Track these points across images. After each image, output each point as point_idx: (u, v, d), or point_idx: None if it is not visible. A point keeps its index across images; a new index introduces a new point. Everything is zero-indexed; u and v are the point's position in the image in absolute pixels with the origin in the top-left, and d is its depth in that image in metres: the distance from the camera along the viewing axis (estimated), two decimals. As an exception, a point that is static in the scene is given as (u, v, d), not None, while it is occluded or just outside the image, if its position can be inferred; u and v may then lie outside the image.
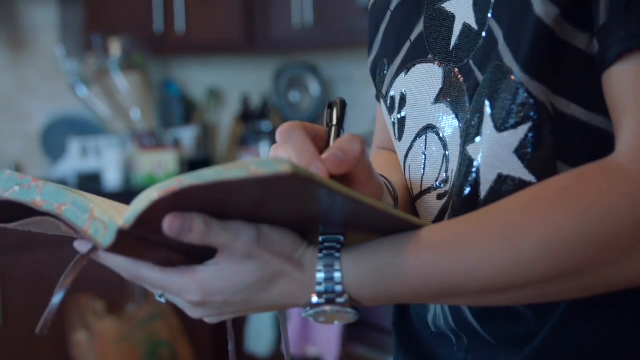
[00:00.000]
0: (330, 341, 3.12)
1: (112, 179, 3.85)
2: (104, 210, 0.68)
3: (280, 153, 0.75)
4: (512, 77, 0.76)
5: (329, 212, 0.69)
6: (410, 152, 0.90)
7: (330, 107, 0.81)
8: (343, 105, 0.81)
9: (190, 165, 4.12)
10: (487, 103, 0.78)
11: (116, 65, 3.83)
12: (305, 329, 3.21)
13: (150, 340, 3.46)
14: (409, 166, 0.91)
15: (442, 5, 0.86)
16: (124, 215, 0.66)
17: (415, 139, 0.89)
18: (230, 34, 4.19)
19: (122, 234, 0.66)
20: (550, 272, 0.67)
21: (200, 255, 0.70)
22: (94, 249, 0.70)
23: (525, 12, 0.75)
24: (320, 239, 0.71)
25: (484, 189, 0.78)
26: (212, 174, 0.61)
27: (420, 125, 0.88)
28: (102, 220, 0.67)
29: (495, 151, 0.77)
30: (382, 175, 0.88)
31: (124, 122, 3.92)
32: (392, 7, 0.94)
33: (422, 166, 0.88)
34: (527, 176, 0.76)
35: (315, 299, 0.70)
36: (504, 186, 0.77)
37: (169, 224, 0.65)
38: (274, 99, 4.54)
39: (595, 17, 0.73)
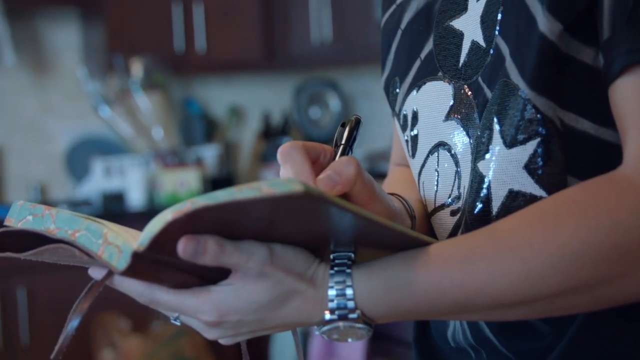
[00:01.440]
0: (354, 356, 3.12)
1: (136, 198, 3.87)
2: (118, 234, 0.69)
3: (281, 173, 0.76)
4: (519, 94, 0.76)
5: (339, 230, 0.70)
6: (424, 169, 0.91)
7: (344, 125, 0.82)
8: (356, 124, 0.82)
9: (213, 183, 4.14)
10: (495, 120, 0.78)
11: (138, 85, 3.87)
12: (330, 343, 3.22)
13: (175, 357, 3.47)
14: (423, 183, 0.91)
15: (451, 23, 0.87)
16: (138, 239, 0.67)
17: (428, 156, 0.90)
18: (250, 51, 4.21)
19: (137, 257, 0.66)
20: (561, 286, 0.68)
21: (213, 276, 0.71)
22: (109, 274, 0.71)
23: (530, 29, 0.76)
24: (332, 256, 0.72)
25: (495, 205, 0.79)
26: (224, 194, 0.62)
27: (432, 142, 0.88)
28: (116, 244, 0.68)
29: (505, 167, 0.77)
30: (395, 194, 0.89)
31: (146, 141, 3.95)
32: (403, 26, 0.94)
33: (435, 183, 0.88)
34: (538, 191, 0.76)
35: (328, 316, 0.70)
36: (515, 202, 0.77)
37: (184, 247, 0.66)
38: (294, 116, 4.56)
39: (599, 32, 0.74)
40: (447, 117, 0.86)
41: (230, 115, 4.52)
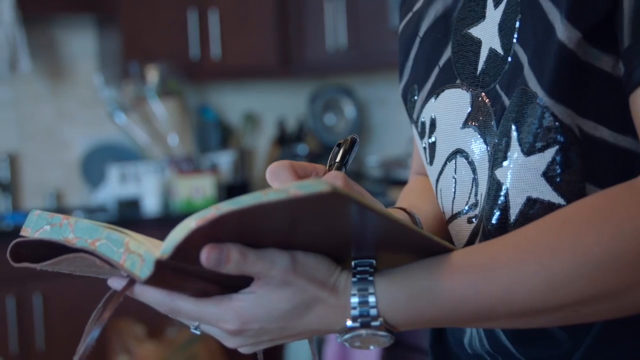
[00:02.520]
0: (370, 363, 3.11)
1: (151, 204, 3.88)
2: (140, 243, 0.68)
3: None
4: (537, 101, 0.76)
5: (361, 233, 0.70)
6: (441, 176, 0.91)
7: (339, 145, 0.83)
8: (351, 145, 0.83)
9: (228, 189, 4.15)
10: (513, 127, 0.78)
11: (153, 92, 3.88)
12: (344, 350, 3.21)
13: (190, 364, 3.47)
14: (441, 190, 0.91)
15: (469, 31, 0.87)
16: (160, 247, 0.66)
17: (445, 163, 0.89)
18: (265, 58, 4.22)
19: (160, 265, 0.66)
20: (584, 294, 0.67)
21: (234, 284, 0.70)
22: (130, 284, 0.71)
23: (548, 37, 0.75)
24: (353, 263, 0.72)
25: (513, 213, 0.79)
26: (250, 198, 0.61)
27: (450, 150, 0.88)
28: (139, 252, 0.67)
29: (523, 175, 0.77)
30: (401, 208, 0.89)
31: (161, 148, 3.96)
32: (421, 33, 0.94)
33: (453, 190, 0.88)
34: (556, 199, 0.76)
35: (350, 323, 0.70)
36: (533, 209, 0.77)
37: (207, 256, 0.65)
38: (309, 122, 4.57)
39: (619, 40, 0.73)
40: (465, 124, 0.86)
41: (245, 122, 4.53)
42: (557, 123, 0.75)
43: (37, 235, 0.73)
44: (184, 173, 3.92)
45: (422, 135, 0.94)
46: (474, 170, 0.85)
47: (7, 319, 3.43)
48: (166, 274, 0.68)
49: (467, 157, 0.86)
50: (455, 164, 0.88)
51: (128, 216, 3.86)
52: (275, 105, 4.63)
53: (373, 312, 0.70)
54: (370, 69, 4.26)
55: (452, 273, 0.70)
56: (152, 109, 3.91)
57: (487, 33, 0.84)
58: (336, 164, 0.82)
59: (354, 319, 0.70)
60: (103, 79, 3.96)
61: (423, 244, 0.71)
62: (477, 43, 0.85)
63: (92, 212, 3.96)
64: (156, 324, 3.53)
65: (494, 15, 0.83)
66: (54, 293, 3.52)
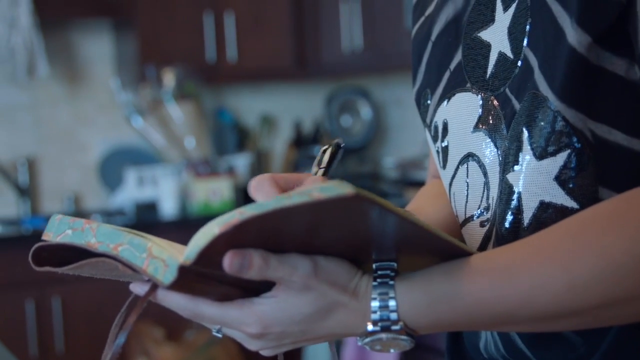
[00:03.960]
0: (388, 365, 3.11)
1: (169, 207, 3.90)
2: (163, 248, 0.69)
3: None
4: (549, 105, 0.76)
5: (383, 237, 0.70)
6: (454, 180, 0.91)
7: (324, 151, 0.84)
8: (336, 149, 0.84)
9: (245, 192, 4.15)
10: (525, 131, 0.78)
11: (170, 96, 3.89)
12: (363, 352, 3.21)
13: (209, 366, 3.48)
14: (454, 194, 0.91)
15: (479, 34, 0.87)
16: (183, 252, 0.66)
17: (458, 167, 0.89)
18: (281, 60, 4.23)
19: (183, 271, 0.66)
20: (605, 297, 0.67)
21: (255, 287, 0.71)
22: (153, 289, 0.71)
23: (559, 41, 0.75)
24: (374, 266, 0.72)
25: (526, 217, 0.78)
26: (273, 202, 0.61)
27: (461, 153, 0.88)
28: (162, 258, 0.68)
29: (536, 179, 0.77)
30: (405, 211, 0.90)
31: (178, 151, 3.98)
32: (433, 37, 0.94)
33: (465, 194, 0.88)
34: (569, 202, 0.76)
35: (370, 327, 0.71)
36: (546, 213, 0.77)
37: (230, 262, 0.66)
38: (326, 124, 4.57)
39: (634, 44, 0.73)
40: (476, 128, 0.86)
41: (261, 124, 4.54)
42: (568, 127, 0.75)
43: (59, 239, 0.73)
44: (201, 176, 3.93)
45: (435, 139, 0.94)
46: (485, 174, 0.85)
47: (27, 322, 3.45)
48: (189, 278, 0.68)
49: (478, 161, 0.86)
50: (467, 167, 0.88)
51: (146, 219, 3.87)
52: (291, 107, 4.63)
53: (393, 316, 0.71)
54: (386, 70, 4.26)
55: (472, 277, 0.70)
56: (168, 112, 3.92)
57: (496, 37, 0.84)
58: (321, 169, 0.83)
59: (374, 323, 0.71)
60: (120, 82, 3.98)
61: (443, 247, 0.71)
62: (487, 47, 0.85)
63: (110, 216, 3.98)
64: (175, 326, 3.54)
65: (503, 19, 0.83)
66: (73, 297, 3.53)
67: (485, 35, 0.86)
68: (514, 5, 0.82)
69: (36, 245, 0.73)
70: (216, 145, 4.27)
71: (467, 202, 0.88)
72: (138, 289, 0.73)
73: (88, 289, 3.55)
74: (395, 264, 0.72)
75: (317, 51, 4.23)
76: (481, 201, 0.86)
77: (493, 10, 0.85)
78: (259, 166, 4.39)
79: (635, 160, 0.75)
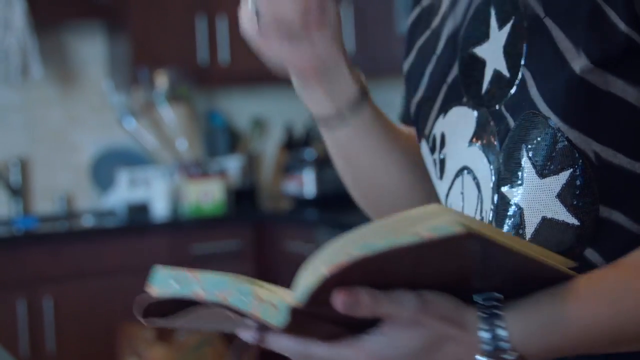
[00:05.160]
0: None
1: (160, 208, 3.91)
2: (270, 291, 0.69)
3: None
4: (550, 125, 0.78)
5: (488, 268, 0.69)
6: (451, 191, 0.92)
7: None
8: None
9: (237, 194, 4.18)
10: (524, 149, 0.80)
11: (162, 98, 3.91)
12: None
13: (199, 367, 3.50)
14: (450, 205, 0.93)
15: (474, 50, 0.88)
16: (288, 294, 0.67)
17: (454, 179, 0.91)
18: (273, 64, 4.23)
19: (294, 313, 0.66)
20: None
21: (358, 323, 0.70)
22: (263, 333, 0.71)
23: (559, 65, 0.78)
24: (479, 297, 0.72)
25: (528, 232, 0.80)
26: (382, 243, 0.61)
27: (457, 166, 0.90)
28: (272, 301, 0.67)
29: (538, 196, 0.79)
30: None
31: (170, 152, 4.00)
32: (438, 51, 0.96)
33: (461, 205, 0.90)
34: (570, 219, 0.78)
35: (481, 359, 0.70)
36: (548, 229, 0.79)
37: (341, 301, 0.66)
38: (316, 128, 4.58)
39: None
40: (470, 142, 0.88)
41: (253, 126, 4.56)
42: (571, 147, 0.77)
43: (165, 292, 0.72)
44: (193, 177, 3.95)
45: (432, 150, 0.95)
46: (478, 188, 0.87)
47: (18, 322, 3.47)
48: (298, 320, 0.67)
49: (472, 175, 0.88)
50: (463, 180, 0.89)
51: (137, 220, 3.89)
52: (283, 110, 4.65)
53: (505, 345, 0.70)
54: (377, 74, 4.28)
55: (580, 301, 0.71)
56: (161, 114, 3.94)
57: (491, 54, 0.86)
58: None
59: (485, 354, 0.70)
60: (113, 84, 4.00)
61: (546, 273, 0.71)
62: (482, 63, 0.87)
63: (101, 216, 4.00)
64: (165, 327, 3.55)
65: (498, 36, 0.85)
66: (65, 297, 3.55)
67: (480, 51, 0.87)
68: (509, 25, 0.84)
69: (143, 299, 0.73)
70: (208, 148, 4.29)
71: (462, 212, 0.90)
72: (245, 334, 0.73)
73: (79, 289, 3.57)
74: (500, 295, 0.71)
75: (309, 55, 4.24)
76: (475, 214, 0.88)
77: (487, 27, 0.87)
78: (250, 168, 4.41)
79: (637, 181, 0.78)
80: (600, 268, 0.76)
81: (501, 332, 0.70)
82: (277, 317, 0.66)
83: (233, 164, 4.27)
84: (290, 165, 4.33)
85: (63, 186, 4.17)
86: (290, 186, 4.21)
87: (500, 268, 0.69)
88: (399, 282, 0.68)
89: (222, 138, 4.41)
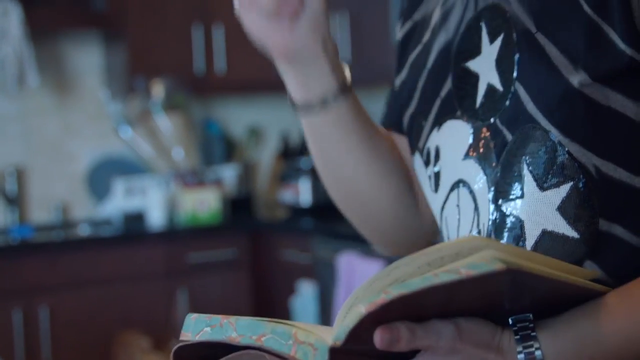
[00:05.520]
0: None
1: (156, 217, 3.92)
2: (308, 332, 0.69)
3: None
4: (551, 138, 0.79)
5: (522, 294, 0.69)
6: (446, 204, 0.93)
7: None
8: None
9: (233, 202, 4.18)
10: (524, 163, 0.81)
11: (159, 107, 3.92)
12: None
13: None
14: (446, 218, 0.93)
15: (467, 64, 0.89)
16: (326, 333, 0.67)
17: (449, 192, 0.92)
18: (269, 73, 4.22)
19: (334, 352, 0.66)
20: None
21: (395, 356, 0.70)
22: None
23: (555, 79, 0.78)
24: (511, 320, 0.72)
25: (528, 244, 0.81)
26: (420, 282, 0.62)
27: (453, 180, 0.91)
28: (309, 342, 0.67)
29: (539, 208, 0.80)
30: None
31: (166, 161, 4.00)
32: (429, 65, 0.96)
33: (457, 218, 0.91)
34: (570, 232, 0.79)
35: None
36: (548, 242, 0.80)
37: (380, 338, 0.66)
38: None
39: None
40: (466, 155, 0.88)
41: (249, 135, 4.57)
42: (572, 160, 0.78)
43: (198, 338, 0.72)
44: (189, 186, 3.96)
45: (427, 163, 0.96)
46: (475, 201, 0.87)
47: (14, 332, 3.46)
48: (337, 359, 0.68)
49: (468, 188, 0.88)
50: (458, 193, 0.90)
51: (133, 230, 3.89)
52: (278, 119, 4.66)
53: None
54: (373, 83, 4.30)
55: (613, 317, 0.72)
56: (157, 123, 3.95)
57: (484, 68, 0.86)
58: None
59: None
60: (109, 93, 4.00)
61: (578, 292, 0.72)
62: (475, 77, 0.88)
63: (97, 226, 4.00)
64: (161, 336, 3.56)
65: (490, 50, 0.86)
66: (61, 306, 3.55)
67: (473, 65, 0.88)
68: (500, 39, 0.84)
69: (176, 346, 0.73)
70: (204, 156, 4.30)
71: (459, 225, 0.91)
72: None
73: (75, 299, 3.57)
74: (531, 315, 0.72)
75: (305, 64, 4.25)
76: (472, 226, 0.88)
77: (479, 41, 0.87)
78: (246, 177, 4.42)
79: (637, 195, 0.78)
80: (628, 284, 0.76)
81: (537, 353, 0.71)
82: (316, 358, 0.67)
83: (229, 173, 4.28)
84: (286, 174, 4.34)
85: (59, 195, 4.17)
86: (286, 195, 4.21)
87: (532, 291, 0.70)
88: (434, 312, 0.69)
89: (218, 147, 4.42)
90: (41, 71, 3.95)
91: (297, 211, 4.13)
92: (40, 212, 4.12)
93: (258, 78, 4.23)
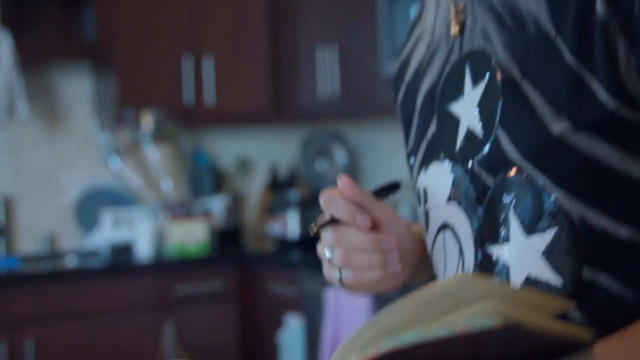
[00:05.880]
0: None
1: (144, 249, 3.90)
2: None
3: (327, 214, 0.86)
4: (535, 186, 0.79)
5: (514, 344, 0.69)
6: (434, 245, 0.94)
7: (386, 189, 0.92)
8: (393, 186, 0.92)
9: (221, 234, 4.17)
10: (509, 208, 0.81)
11: (148, 137, 3.92)
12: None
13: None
14: (434, 259, 0.95)
15: (450, 107, 0.89)
16: None
17: (436, 234, 0.93)
18: (258, 105, 4.27)
19: None
20: None
21: None
22: None
23: (538, 127, 0.79)
24: None
25: None
26: (413, 335, 0.62)
27: (439, 222, 0.91)
28: None
29: (524, 253, 0.80)
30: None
31: (155, 192, 4.00)
32: (418, 107, 0.97)
33: (444, 261, 0.92)
34: (554, 279, 0.79)
35: None
36: (532, 287, 0.80)
37: None
38: (301, 168, 4.61)
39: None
40: (448, 199, 0.89)
41: (238, 167, 4.57)
42: (556, 207, 0.78)
43: None
44: (177, 218, 3.95)
45: (419, 202, 0.97)
46: (459, 244, 0.88)
47: (-1, 362, 3.43)
48: None
49: (452, 231, 0.89)
50: (444, 236, 0.91)
51: (121, 261, 3.88)
52: (267, 151, 4.67)
53: None
54: (361, 115, 4.32)
55: None
56: (146, 153, 3.95)
57: (466, 111, 0.87)
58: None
59: None
60: (99, 124, 4.00)
61: (568, 344, 0.72)
62: (457, 120, 0.88)
63: (85, 257, 3.98)
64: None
65: (472, 94, 0.86)
66: (47, 338, 3.52)
67: (455, 108, 0.88)
68: (484, 82, 0.84)
69: None
70: (193, 188, 4.29)
71: (445, 268, 0.91)
72: None
73: (62, 331, 3.54)
74: None
75: (294, 96, 4.28)
76: (457, 268, 0.89)
77: (462, 84, 0.87)
78: (235, 209, 4.42)
79: (619, 244, 0.78)
80: (615, 334, 0.76)
81: None
82: None
83: (217, 205, 4.27)
84: (274, 206, 4.34)
85: (47, 225, 4.15)
86: (275, 227, 4.21)
87: (524, 341, 0.69)
88: (425, 357, 0.69)
89: (207, 178, 4.42)
90: (31, 101, 3.95)
91: (284, 244, 4.12)
92: (28, 243, 4.10)
93: (247, 110, 4.25)
